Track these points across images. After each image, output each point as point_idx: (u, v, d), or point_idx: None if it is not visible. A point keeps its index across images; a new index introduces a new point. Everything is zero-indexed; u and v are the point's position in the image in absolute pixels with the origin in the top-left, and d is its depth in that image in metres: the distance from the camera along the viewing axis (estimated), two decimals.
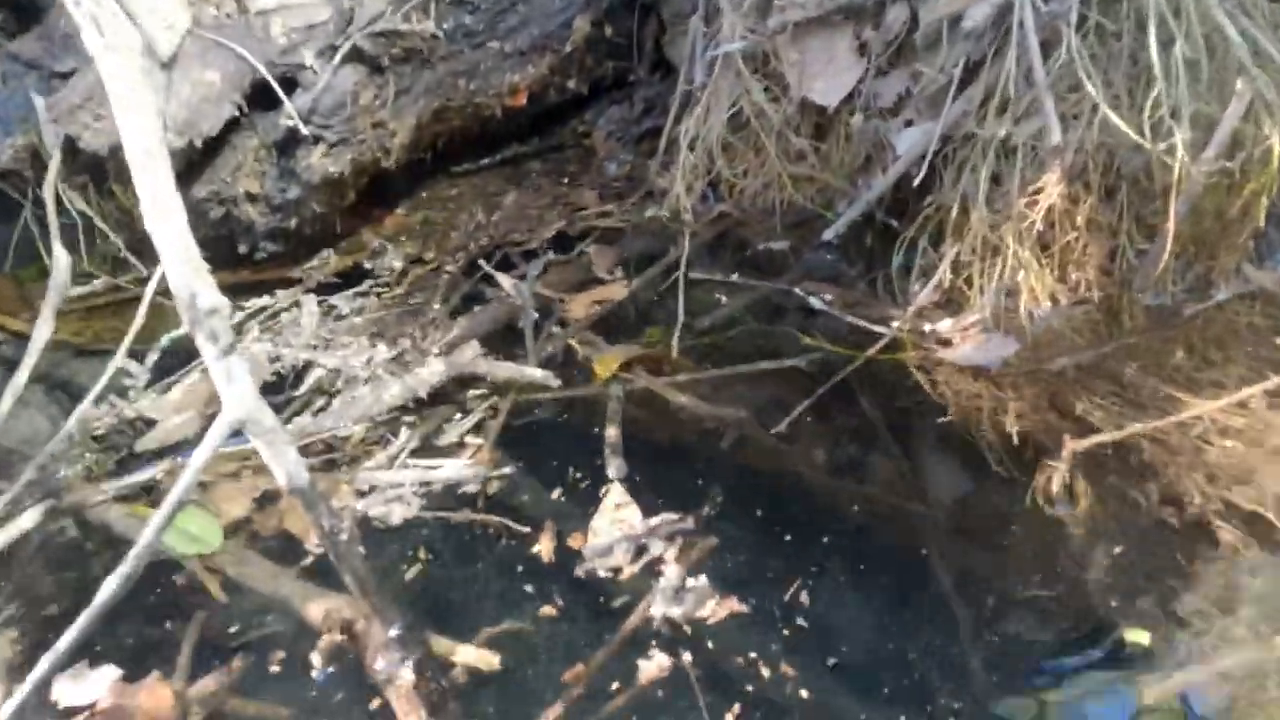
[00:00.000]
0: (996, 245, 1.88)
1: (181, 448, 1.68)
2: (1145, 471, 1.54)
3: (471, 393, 1.81)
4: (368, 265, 2.29)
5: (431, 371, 1.75)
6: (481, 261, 2.20)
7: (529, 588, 1.44)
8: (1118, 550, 1.43)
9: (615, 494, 1.54)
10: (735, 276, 2.09)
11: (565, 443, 1.71)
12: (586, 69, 2.58)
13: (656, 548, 1.46)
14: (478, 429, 1.71)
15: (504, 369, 1.78)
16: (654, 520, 1.49)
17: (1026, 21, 1.77)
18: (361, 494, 1.59)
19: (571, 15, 2.43)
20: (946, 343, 1.80)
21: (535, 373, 1.78)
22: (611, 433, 1.67)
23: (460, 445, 1.68)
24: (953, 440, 1.64)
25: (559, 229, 2.37)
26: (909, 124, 2.12)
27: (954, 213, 1.95)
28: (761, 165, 2.32)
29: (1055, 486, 1.46)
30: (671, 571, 1.41)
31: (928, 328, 1.84)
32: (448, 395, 1.80)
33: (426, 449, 1.68)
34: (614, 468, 1.60)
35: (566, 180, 2.62)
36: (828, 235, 2.15)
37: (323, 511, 1.17)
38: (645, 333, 1.93)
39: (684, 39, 2.52)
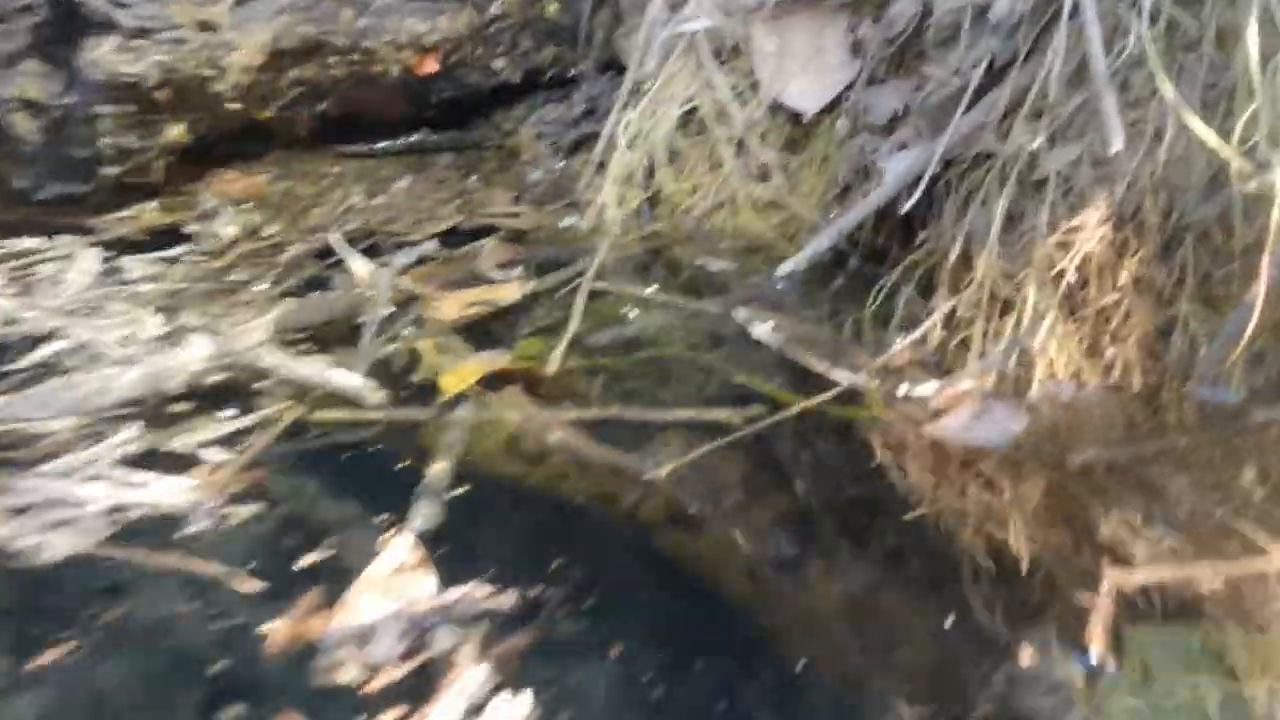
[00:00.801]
0: (1009, 299, 1.40)
1: None
2: (1203, 636, 1.02)
3: (257, 397, 1.26)
4: (192, 228, 1.76)
5: (192, 355, 1.20)
6: (333, 238, 1.67)
7: (234, 695, 0.87)
8: None
9: (401, 549, 0.97)
10: (652, 290, 1.57)
11: (368, 478, 1.16)
12: (520, 50, 2.13)
13: (447, 639, 0.90)
14: (233, 441, 1.15)
15: (301, 366, 1.23)
16: (453, 593, 0.94)
17: (1085, 5, 1.33)
18: (17, 512, 1.02)
19: None
20: (930, 411, 1.29)
21: (348, 378, 1.23)
22: (439, 468, 1.12)
23: (195, 460, 1.11)
24: (928, 550, 1.11)
25: (453, 225, 1.87)
26: (904, 147, 1.67)
27: (952, 255, 1.48)
28: (715, 180, 1.85)
29: (1096, 633, 0.93)
30: (470, 676, 0.85)
31: (905, 390, 1.33)
32: (220, 396, 1.25)
33: (153, 458, 1.12)
34: (421, 516, 1.04)
35: (477, 178, 2.13)
36: (784, 270, 1.65)
37: None
38: (518, 345, 1.39)
39: (641, 32, 2.08)
